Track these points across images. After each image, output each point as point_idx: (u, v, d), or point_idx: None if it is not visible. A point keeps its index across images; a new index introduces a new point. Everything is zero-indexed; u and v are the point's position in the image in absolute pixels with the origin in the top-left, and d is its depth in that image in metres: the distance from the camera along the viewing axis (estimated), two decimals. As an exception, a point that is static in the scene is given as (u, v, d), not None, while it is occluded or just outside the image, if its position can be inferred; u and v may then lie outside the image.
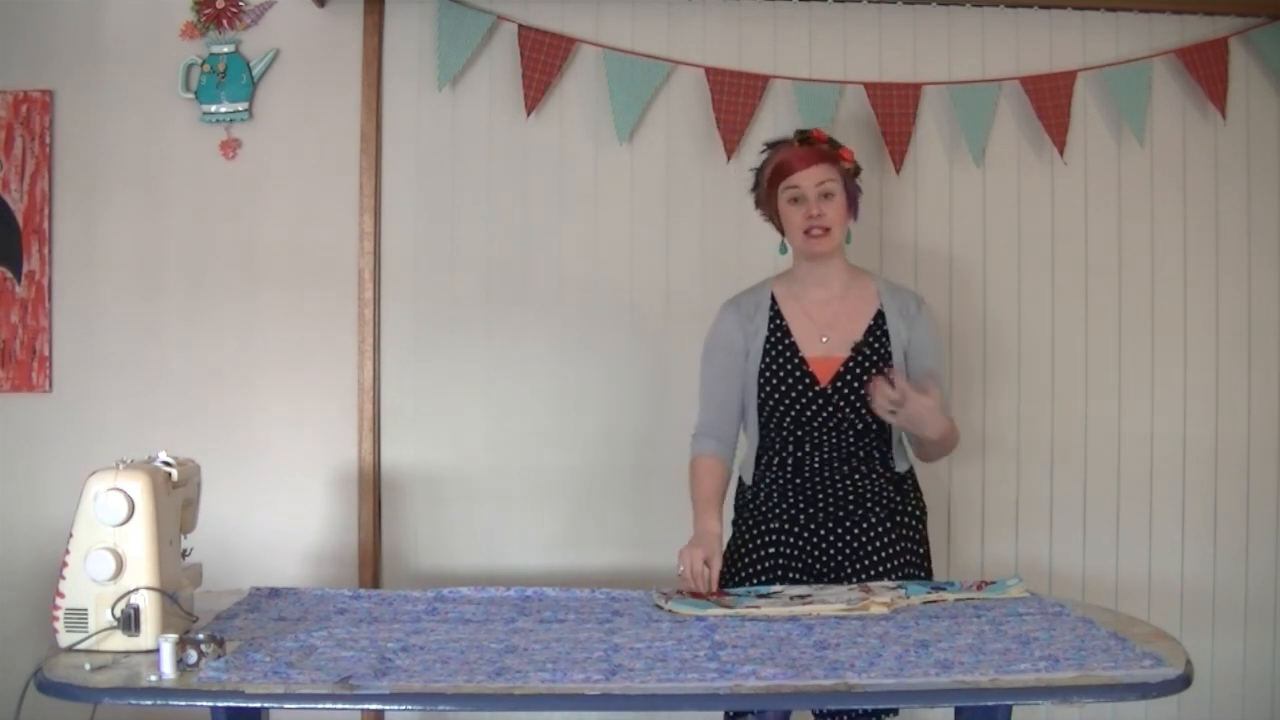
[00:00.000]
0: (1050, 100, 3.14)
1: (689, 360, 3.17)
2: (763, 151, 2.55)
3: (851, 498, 2.41)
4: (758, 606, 2.11)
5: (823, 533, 2.42)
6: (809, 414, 2.43)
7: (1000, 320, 3.22)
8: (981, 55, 3.20)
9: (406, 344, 3.16)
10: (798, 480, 2.44)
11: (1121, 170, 3.24)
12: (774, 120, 3.17)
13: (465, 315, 3.17)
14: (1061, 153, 3.16)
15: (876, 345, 2.44)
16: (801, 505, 2.43)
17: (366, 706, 1.69)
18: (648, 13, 3.16)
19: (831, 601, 2.12)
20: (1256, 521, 3.26)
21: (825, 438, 2.43)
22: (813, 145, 2.45)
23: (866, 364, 2.42)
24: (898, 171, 3.14)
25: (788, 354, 2.45)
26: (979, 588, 2.25)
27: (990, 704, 1.78)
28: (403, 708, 1.67)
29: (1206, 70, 3.16)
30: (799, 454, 2.44)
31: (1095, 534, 3.24)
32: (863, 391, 2.39)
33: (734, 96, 3.11)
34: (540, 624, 2.05)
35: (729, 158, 3.12)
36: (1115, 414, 3.24)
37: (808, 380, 2.42)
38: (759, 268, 3.16)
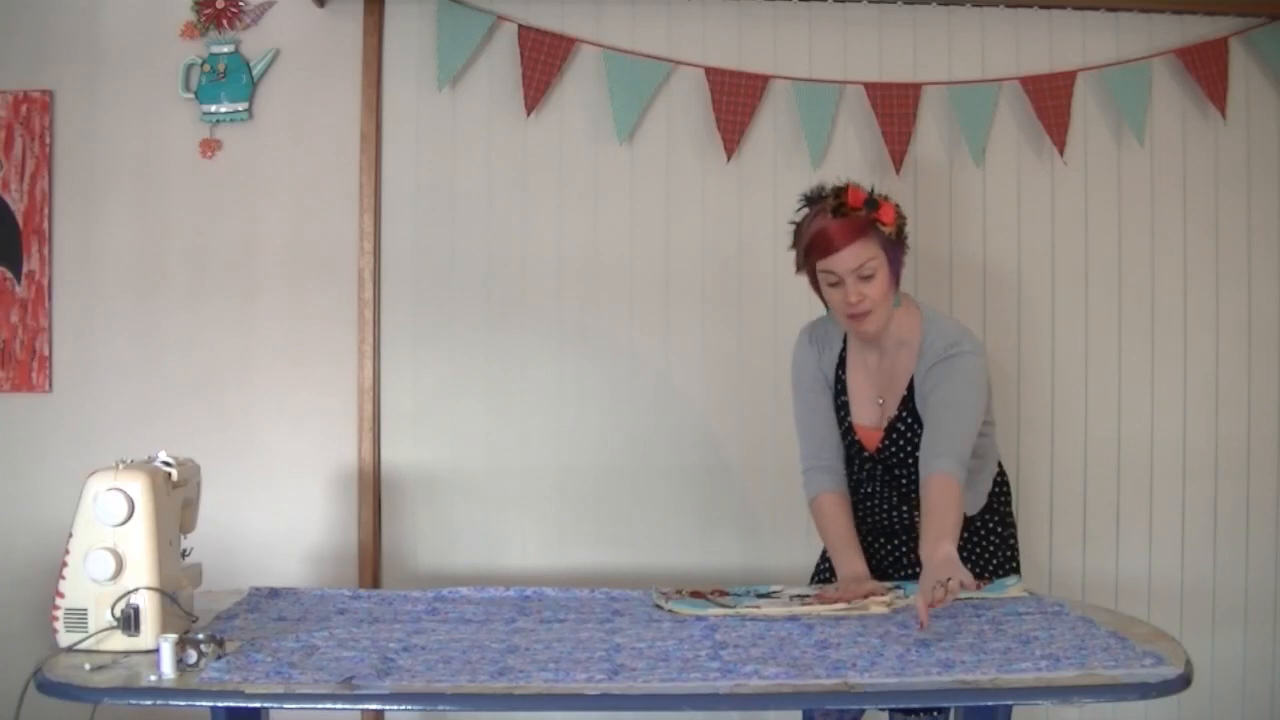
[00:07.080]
0: (1050, 100, 3.14)
1: (688, 360, 3.18)
2: (800, 209, 2.32)
3: (905, 527, 2.43)
4: (758, 606, 2.11)
5: (875, 545, 2.46)
6: (865, 471, 2.43)
7: (1000, 320, 3.22)
8: (981, 55, 3.20)
9: (406, 344, 3.16)
10: (859, 512, 2.46)
11: (1121, 170, 3.24)
12: (774, 120, 3.17)
13: (465, 315, 3.16)
14: (1061, 153, 3.16)
15: (909, 419, 2.33)
16: (864, 527, 2.47)
17: (368, 707, 1.69)
18: (648, 13, 3.16)
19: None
20: (1256, 521, 3.26)
21: (881, 486, 2.43)
22: (848, 216, 2.20)
23: (900, 440, 2.35)
24: (898, 172, 3.13)
25: (842, 412, 2.42)
26: (978, 587, 2.25)
27: (991, 704, 1.78)
28: (404, 708, 1.67)
29: (1206, 70, 3.16)
30: (866, 489, 2.46)
31: (1095, 534, 3.24)
32: (904, 457, 2.35)
33: (734, 96, 3.10)
34: (541, 624, 2.05)
35: (729, 158, 3.12)
36: (1115, 414, 3.24)
37: (857, 446, 2.41)
38: (759, 268, 3.17)
